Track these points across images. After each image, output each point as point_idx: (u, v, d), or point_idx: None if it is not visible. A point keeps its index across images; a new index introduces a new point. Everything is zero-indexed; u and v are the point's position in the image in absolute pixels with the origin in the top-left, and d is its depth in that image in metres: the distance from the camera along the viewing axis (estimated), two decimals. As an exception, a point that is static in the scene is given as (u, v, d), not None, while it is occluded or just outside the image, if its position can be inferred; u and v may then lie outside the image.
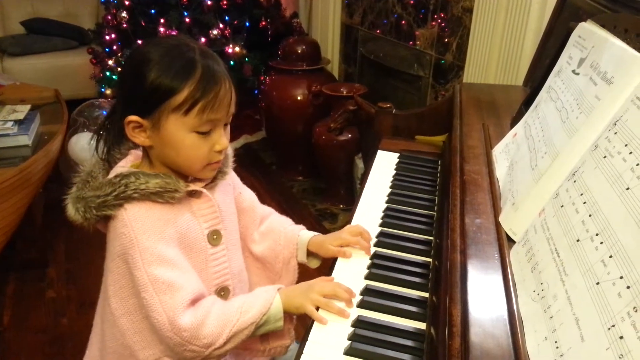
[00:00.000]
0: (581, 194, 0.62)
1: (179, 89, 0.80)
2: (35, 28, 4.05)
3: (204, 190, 0.90)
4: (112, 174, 0.86)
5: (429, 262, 0.97)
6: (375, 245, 1.02)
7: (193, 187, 0.88)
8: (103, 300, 0.92)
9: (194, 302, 0.84)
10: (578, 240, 0.58)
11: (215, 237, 0.92)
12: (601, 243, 0.54)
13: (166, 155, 0.86)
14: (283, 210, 2.98)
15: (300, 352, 0.79)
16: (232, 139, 3.48)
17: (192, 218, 0.89)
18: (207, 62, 0.83)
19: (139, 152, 0.92)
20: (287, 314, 0.88)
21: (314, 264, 1.06)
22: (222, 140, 0.87)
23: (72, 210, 0.85)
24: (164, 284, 0.81)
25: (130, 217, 0.82)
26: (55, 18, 4.17)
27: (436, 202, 1.17)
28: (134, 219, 0.82)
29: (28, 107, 2.43)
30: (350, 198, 2.76)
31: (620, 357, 0.44)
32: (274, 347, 0.95)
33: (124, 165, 0.89)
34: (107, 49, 3.34)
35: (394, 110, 1.51)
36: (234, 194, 1.01)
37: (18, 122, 2.26)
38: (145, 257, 0.81)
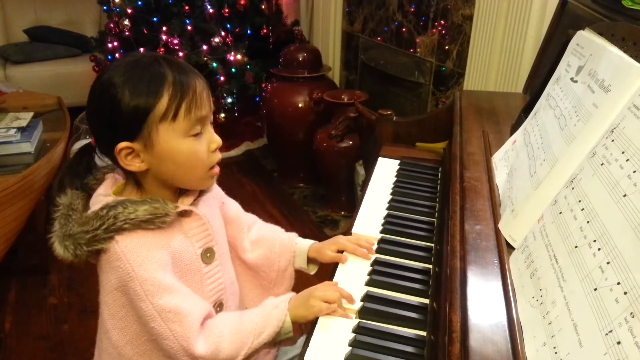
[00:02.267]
0: (579, 201, 0.63)
1: (157, 98, 0.79)
2: (38, 36, 4.08)
3: (194, 209, 0.89)
4: (96, 205, 0.83)
5: (430, 268, 0.97)
6: (376, 251, 1.02)
7: (182, 207, 0.87)
8: (101, 334, 0.90)
9: (204, 323, 0.83)
10: (576, 247, 0.59)
11: (208, 255, 0.91)
12: (599, 249, 0.55)
13: (165, 173, 0.84)
14: (284, 216, 2.99)
15: (301, 358, 0.79)
16: (234, 145, 3.52)
17: (184, 239, 0.87)
18: (172, 66, 0.82)
19: (116, 176, 0.90)
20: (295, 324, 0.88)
21: (312, 269, 1.06)
22: (215, 137, 0.86)
23: (60, 250, 0.82)
24: (171, 313, 0.80)
25: (123, 249, 0.79)
26: (58, 26, 4.20)
27: (437, 208, 1.18)
28: (128, 251, 0.79)
29: (31, 114, 2.45)
30: (351, 205, 2.76)
31: (617, 363, 0.44)
32: (284, 342, 0.94)
33: (105, 193, 0.86)
34: (109, 57, 3.36)
35: (394, 117, 1.51)
36: (218, 205, 1.00)
37: (21, 130, 2.28)
38: (147, 289, 0.79)
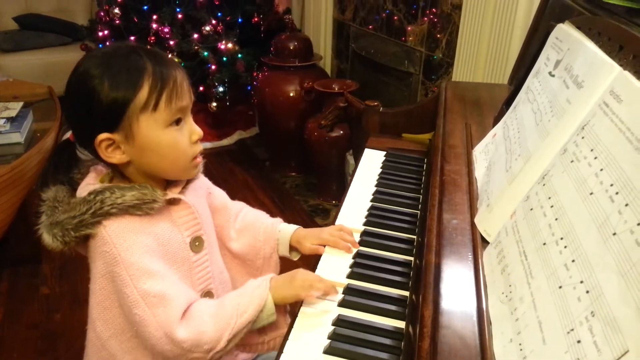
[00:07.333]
0: (549, 198, 0.63)
1: (137, 89, 0.78)
2: (28, 24, 4.04)
3: (183, 197, 0.89)
4: (84, 192, 0.83)
5: (411, 260, 0.98)
6: (359, 244, 1.03)
7: (171, 195, 0.87)
8: (89, 324, 0.90)
9: (186, 309, 0.83)
10: (544, 244, 0.59)
11: (197, 243, 0.91)
12: (565, 247, 0.55)
13: (148, 164, 0.84)
14: (276, 205, 2.98)
15: (280, 350, 0.80)
16: (226, 134, 3.50)
17: (172, 228, 0.87)
18: (151, 56, 0.82)
19: (100, 168, 0.90)
20: (279, 306, 0.88)
21: (295, 256, 1.07)
22: (196, 128, 0.86)
23: (48, 239, 0.82)
24: (155, 297, 0.79)
25: (110, 233, 0.80)
26: (49, 14, 4.16)
27: (420, 200, 1.19)
28: (115, 235, 0.80)
29: (21, 104, 2.43)
30: (341, 194, 2.75)
31: (575, 360, 0.45)
32: (273, 338, 0.94)
33: (92, 183, 0.86)
34: (100, 45, 3.33)
35: (381, 108, 1.51)
36: (205, 195, 1.00)
37: (10, 120, 2.26)
38: (132, 273, 0.79)
